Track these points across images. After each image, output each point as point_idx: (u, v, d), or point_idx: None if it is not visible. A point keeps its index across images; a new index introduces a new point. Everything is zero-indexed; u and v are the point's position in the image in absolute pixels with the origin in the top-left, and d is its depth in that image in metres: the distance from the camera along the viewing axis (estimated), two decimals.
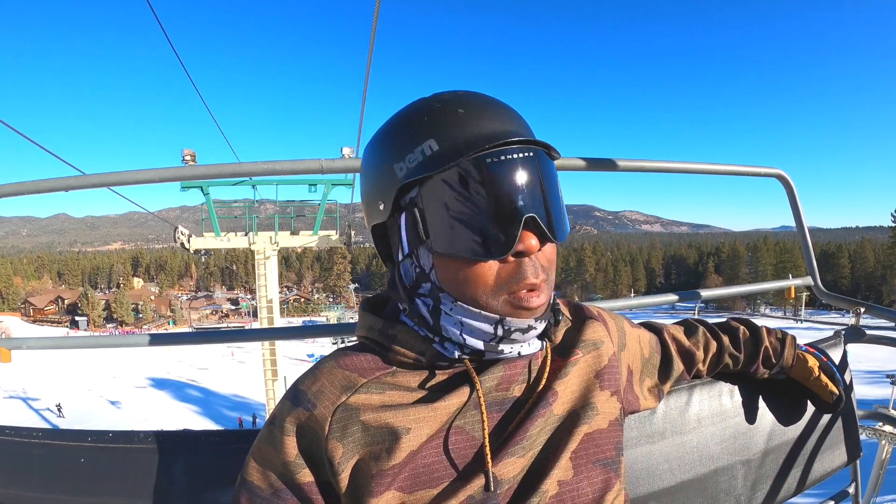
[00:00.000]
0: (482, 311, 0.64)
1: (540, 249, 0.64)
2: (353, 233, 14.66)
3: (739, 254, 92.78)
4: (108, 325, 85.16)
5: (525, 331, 0.65)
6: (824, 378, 1.11)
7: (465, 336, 0.66)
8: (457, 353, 0.67)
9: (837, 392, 1.11)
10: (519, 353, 0.68)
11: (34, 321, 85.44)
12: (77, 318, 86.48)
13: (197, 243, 14.03)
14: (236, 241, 14.46)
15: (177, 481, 1.00)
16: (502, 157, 0.62)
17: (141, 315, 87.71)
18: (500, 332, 0.65)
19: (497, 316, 0.64)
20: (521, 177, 0.62)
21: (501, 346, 0.67)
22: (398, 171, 0.65)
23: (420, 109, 0.67)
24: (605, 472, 0.71)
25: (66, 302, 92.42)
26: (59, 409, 25.48)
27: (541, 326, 0.67)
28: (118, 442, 1.02)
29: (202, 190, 13.61)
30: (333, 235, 14.74)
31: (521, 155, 0.62)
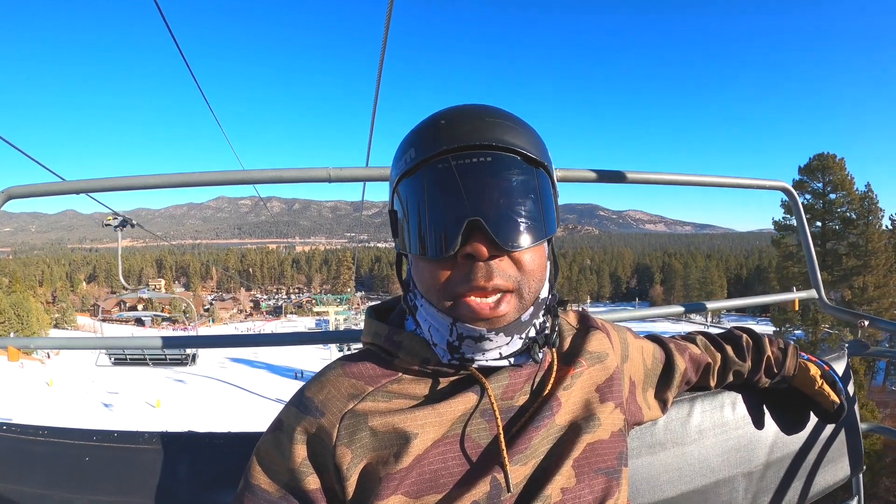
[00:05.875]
0: (439, 311, 0.62)
1: (494, 256, 0.59)
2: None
3: (674, 268, 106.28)
4: (164, 323, 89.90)
5: (477, 339, 0.60)
6: (826, 387, 1.05)
7: (431, 333, 0.64)
8: (447, 359, 0.64)
9: (839, 401, 1.05)
10: (510, 362, 0.65)
11: (104, 320, 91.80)
12: (143, 318, 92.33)
13: None
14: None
15: (180, 482, 0.96)
16: (454, 163, 0.59)
17: (188, 315, 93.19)
18: (454, 336, 0.62)
19: (450, 318, 0.61)
20: (471, 181, 0.59)
21: (464, 350, 0.62)
22: (394, 177, 0.67)
23: (419, 123, 0.67)
24: (606, 481, 0.68)
25: (127, 305, 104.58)
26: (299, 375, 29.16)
27: (501, 340, 0.61)
28: (123, 442, 0.98)
29: None
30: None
31: (473, 160, 0.59)
